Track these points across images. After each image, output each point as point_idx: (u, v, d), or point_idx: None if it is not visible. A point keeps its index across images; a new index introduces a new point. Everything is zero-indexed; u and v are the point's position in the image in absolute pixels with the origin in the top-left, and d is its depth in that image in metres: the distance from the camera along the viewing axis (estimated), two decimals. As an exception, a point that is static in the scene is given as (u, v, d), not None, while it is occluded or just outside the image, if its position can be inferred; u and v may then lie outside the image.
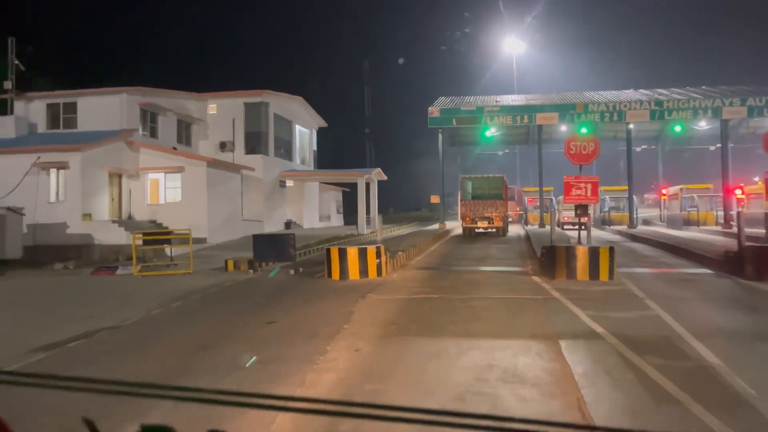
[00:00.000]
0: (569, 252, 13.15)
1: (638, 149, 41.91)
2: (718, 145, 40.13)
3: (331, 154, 57.02)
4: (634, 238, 25.30)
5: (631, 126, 31.32)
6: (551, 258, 13.49)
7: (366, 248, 14.36)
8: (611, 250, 13.11)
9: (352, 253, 14.23)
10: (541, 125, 31.32)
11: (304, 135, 38.82)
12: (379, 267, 14.36)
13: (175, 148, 28.63)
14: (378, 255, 14.37)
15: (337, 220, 44.77)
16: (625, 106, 30.24)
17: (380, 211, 67.01)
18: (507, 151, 44.43)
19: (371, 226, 36.81)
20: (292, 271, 15.82)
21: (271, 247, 16.59)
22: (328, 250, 14.64)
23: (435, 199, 51.43)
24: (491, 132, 36.48)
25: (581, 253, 13.07)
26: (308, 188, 38.16)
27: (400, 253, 17.14)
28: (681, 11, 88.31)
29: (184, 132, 30.61)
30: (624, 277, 13.16)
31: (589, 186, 14.31)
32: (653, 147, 42.93)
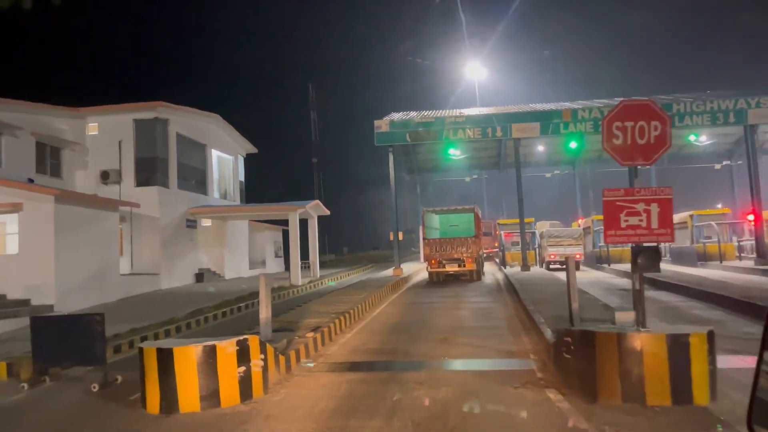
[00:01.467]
0: (625, 346, 6.08)
1: (549, 175, 36.06)
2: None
3: (270, 187, 49.62)
4: (655, 283, 18.39)
5: None
6: (585, 357, 6.44)
7: (215, 346, 7.04)
8: (710, 338, 6.06)
9: (186, 357, 6.92)
10: (518, 139, 24.70)
11: (225, 163, 31.42)
12: (246, 379, 7.12)
13: (31, 180, 20.90)
14: (244, 357, 7.13)
15: (275, 266, 37.14)
16: (623, 110, 23.91)
17: (333, 251, 59.61)
18: (475, 176, 37.94)
19: (312, 272, 29.38)
20: (95, 386, 8.31)
21: (63, 338, 9.04)
22: (141, 353, 7.21)
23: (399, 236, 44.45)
24: (455, 153, 29.80)
25: (652, 348, 6.02)
26: (233, 228, 30.58)
27: (318, 330, 9.83)
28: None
29: (50, 159, 22.89)
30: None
31: (655, 208, 7.06)
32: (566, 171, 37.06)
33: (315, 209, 29.08)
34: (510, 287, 18.87)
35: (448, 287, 21.61)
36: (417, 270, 30.34)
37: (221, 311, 17.07)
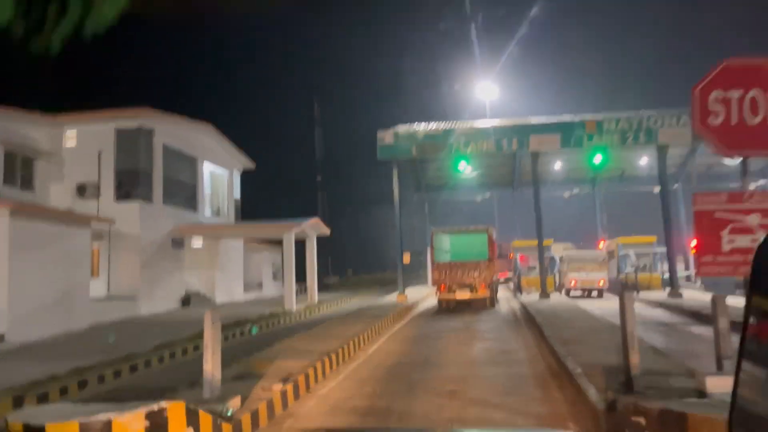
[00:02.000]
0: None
1: (568, 195, 33.52)
2: (657, 187, 31.89)
3: (271, 205, 47.52)
4: (698, 317, 15.81)
5: (667, 148, 22.42)
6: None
7: (110, 422, 4.72)
8: None
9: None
10: (536, 153, 22.37)
11: (219, 178, 29.35)
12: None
13: (-4, 193, 18.86)
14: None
15: (273, 289, 34.80)
16: (655, 122, 21.51)
17: (336, 273, 57.27)
18: (488, 195, 35.54)
19: (309, 296, 27.06)
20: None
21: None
22: (6, 428, 4.90)
23: (406, 258, 42.06)
24: (465, 168, 27.53)
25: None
26: (226, 248, 28.38)
27: (290, 380, 7.48)
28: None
29: (21, 171, 20.88)
30: None
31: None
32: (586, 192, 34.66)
33: (313, 228, 26.84)
34: (529, 319, 16.42)
35: (457, 317, 19.20)
36: (425, 295, 27.90)
37: (194, 344, 14.74)
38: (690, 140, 21.46)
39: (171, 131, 24.07)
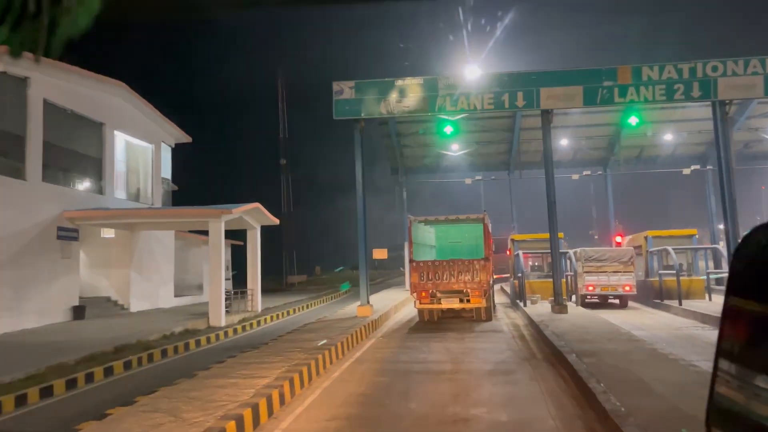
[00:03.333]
0: None
1: (576, 177, 27.79)
2: (695, 166, 26.40)
3: (224, 191, 41.16)
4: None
5: (730, 106, 16.41)
6: None
7: None
8: None
9: None
10: (548, 112, 16.37)
11: (138, 152, 23.21)
12: None
13: None
14: None
15: (220, 292, 28.70)
16: (714, 69, 15.67)
17: (304, 271, 51.04)
18: (479, 177, 29.43)
19: (251, 304, 21.18)
20: None
21: None
22: None
23: (379, 254, 36.08)
24: (453, 148, 21.99)
25: None
26: (148, 241, 22.28)
27: None
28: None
29: None
30: None
31: None
32: (599, 173, 28.95)
33: (254, 216, 20.82)
34: (554, 353, 10.57)
35: (441, 339, 13.38)
36: (401, 302, 22.04)
37: (43, 385, 8.88)
38: (763, 90, 15.63)
39: (61, 86, 17.92)
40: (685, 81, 15.66)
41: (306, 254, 44.46)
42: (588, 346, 10.28)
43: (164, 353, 13.26)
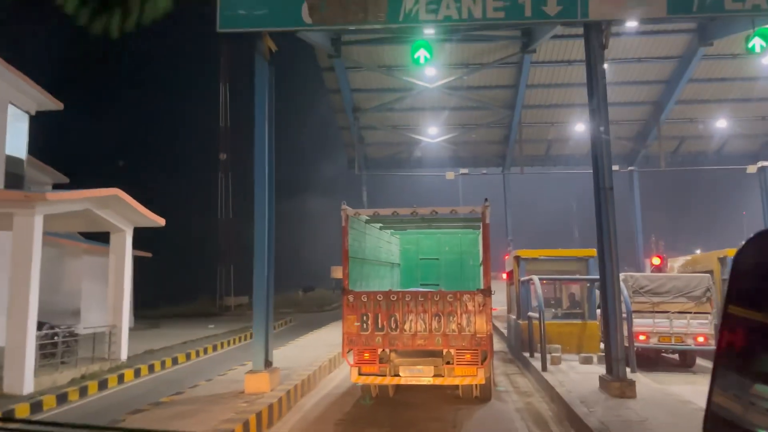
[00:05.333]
0: None
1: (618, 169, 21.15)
2: (763, 162, 20.02)
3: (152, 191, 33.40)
4: None
5: None
6: None
7: None
8: None
9: None
10: (600, 24, 9.10)
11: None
12: None
13: None
14: None
15: (101, 316, 20.88)
16: None
17: (246, 292, 42.81)
18: (465, 171, 22.01)
19: (117, 345, 13.59)
20: None
21: None
22: None
23: (339, 272, 28.57)
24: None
25: None
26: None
27: None
28: None
29: None
30: None
31: None
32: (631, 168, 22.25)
33: (117, 211, 13.13)
34: None
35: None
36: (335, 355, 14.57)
37: None
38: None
39: None
40: None
41: (248, 271, 36.63)
42: None
43: None
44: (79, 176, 23.44)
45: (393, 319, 8.12)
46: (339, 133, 20.93)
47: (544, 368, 10.84)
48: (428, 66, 12.63)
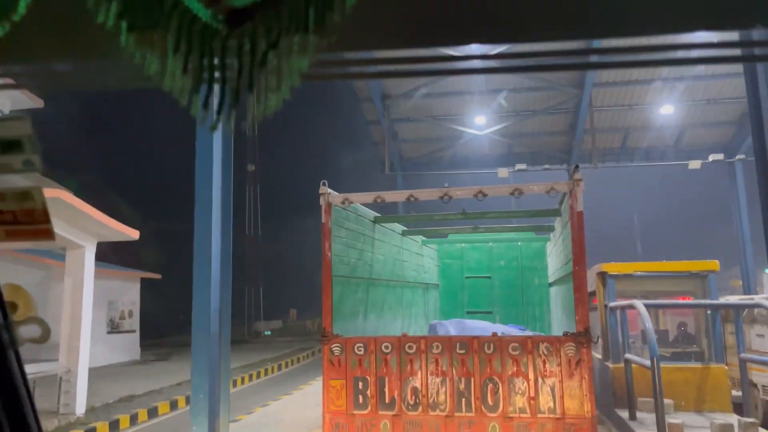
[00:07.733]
0: None
1: (698, 165, 16.36)
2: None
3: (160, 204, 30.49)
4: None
5: None
6: None
7: None
8: None
9: None
10: None
11: None
12: None
13: None
14: None
15: (104, 351, 17.94)
16: None
17: (278, 315, 39.03)
18: (523, 167, 18.03)
19: (65, 398, 10.22)
20: None
21: None
22: None
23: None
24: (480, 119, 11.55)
25: None
26: None
27: None
28: None
29: None
30: None
31: None
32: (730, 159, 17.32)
33: (71, 222, 9.91)
34: None
35: None
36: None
37: None
38: None
39: None
40: None
41: (280, 292, 33.15)
42: None
43: None
44: (86, 191, 20.90)
45: (410, 387, 4.50)
46: (367, 129, 17.59)
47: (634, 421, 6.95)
48: None
